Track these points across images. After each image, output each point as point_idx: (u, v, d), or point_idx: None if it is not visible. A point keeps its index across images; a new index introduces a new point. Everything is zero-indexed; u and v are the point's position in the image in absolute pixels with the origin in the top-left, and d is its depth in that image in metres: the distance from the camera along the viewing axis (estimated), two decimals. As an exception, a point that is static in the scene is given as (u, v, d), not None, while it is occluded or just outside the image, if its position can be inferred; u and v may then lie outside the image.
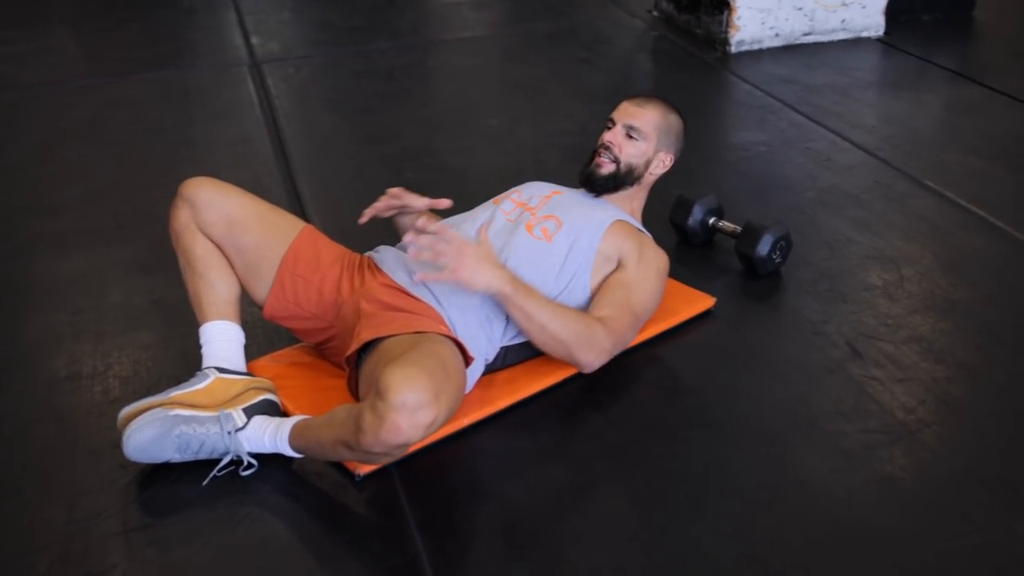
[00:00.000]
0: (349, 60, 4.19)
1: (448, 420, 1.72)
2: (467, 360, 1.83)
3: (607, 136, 2.18)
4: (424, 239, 1.86)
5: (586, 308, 2.05)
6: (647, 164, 2.19)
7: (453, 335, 1.84)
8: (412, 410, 1.57)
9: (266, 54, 4.27)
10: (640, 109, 2.19)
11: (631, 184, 2.19)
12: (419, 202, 2.13)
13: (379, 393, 1.59)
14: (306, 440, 1.77)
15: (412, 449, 1.80)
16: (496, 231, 2.08)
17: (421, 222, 1.92)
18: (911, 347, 2.12)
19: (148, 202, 2.88)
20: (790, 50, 4.10)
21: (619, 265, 2.08)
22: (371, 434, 1.59)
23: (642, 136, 2.16)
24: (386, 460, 1.74)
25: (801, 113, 3.44)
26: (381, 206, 2.13)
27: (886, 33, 4.23)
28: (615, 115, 2.20)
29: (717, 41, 4.12)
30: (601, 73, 4.00)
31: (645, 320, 2.09)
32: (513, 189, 2.25)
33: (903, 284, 2.36)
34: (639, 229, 2.16)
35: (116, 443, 1.83)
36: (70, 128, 3.53)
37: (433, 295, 1.94)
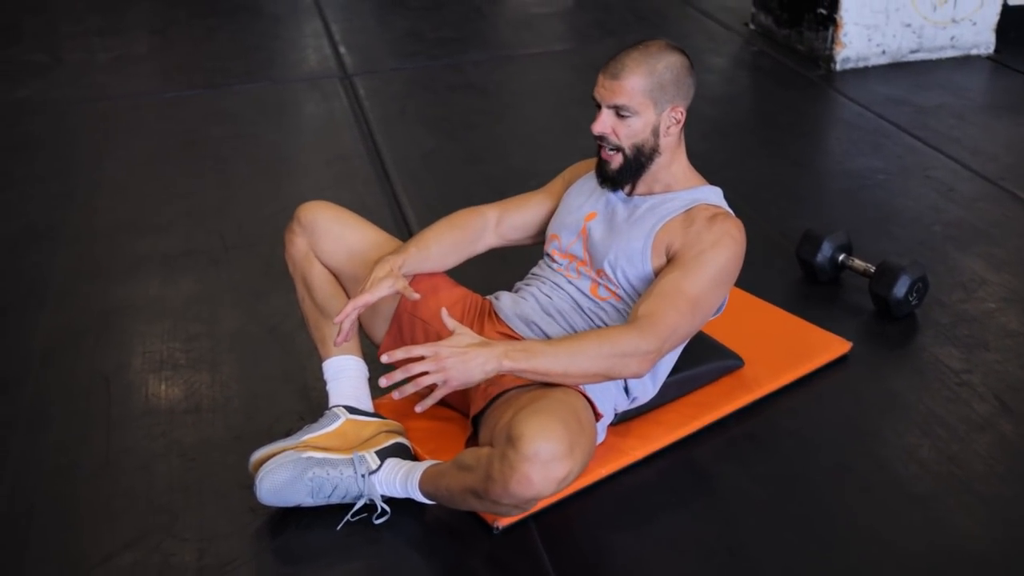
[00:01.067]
0: (442, 73, 4.14)
1: (580, 474, 1.62)
2: (596, 416, 1.74)
3: (596, 127, 1.83)
4: (396, 373, 1.59)
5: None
6: (655, 132, 1.83)
7: (581, 389, 1.75)
8: (545, 462, 1.50)
9: (356, 66, 4.23)
10: (618, 81, 1.79)
11: (650, 160, 1.86)
12: (386, 291, 1.82)
13: (511, 441, 1.52)
14: (436, 487, 1.71)
15: (546, 503, 1.74)
16: (569, 294, 1.91)
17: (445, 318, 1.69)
18: (1067, 402, 2.01)
19: (255, 222, 2.85)
20: (896, 68, 3.97)
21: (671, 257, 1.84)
22: (500, 484, 1.52)
23: (633, 111, 1.80)
24: (516, 513, 1.67)
25: (917, 138, 3.32)
26: (344, 319, 1.81)
27: (996, 51, 4.08)
28: (597, 95, 1.83)
29: (821, 58, 4.00)
30: (702, 91, 3.88)
31: (721, 292, 1.81)
32: (551, 234, 2.00)
33: (1049, 331, 2.25)
34: (688, 204, 1.87)
35: (244, 484, 1.79)
36: (168, 142, 3.52)
37: None
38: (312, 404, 2.06)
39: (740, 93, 4.02)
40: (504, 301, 1.96)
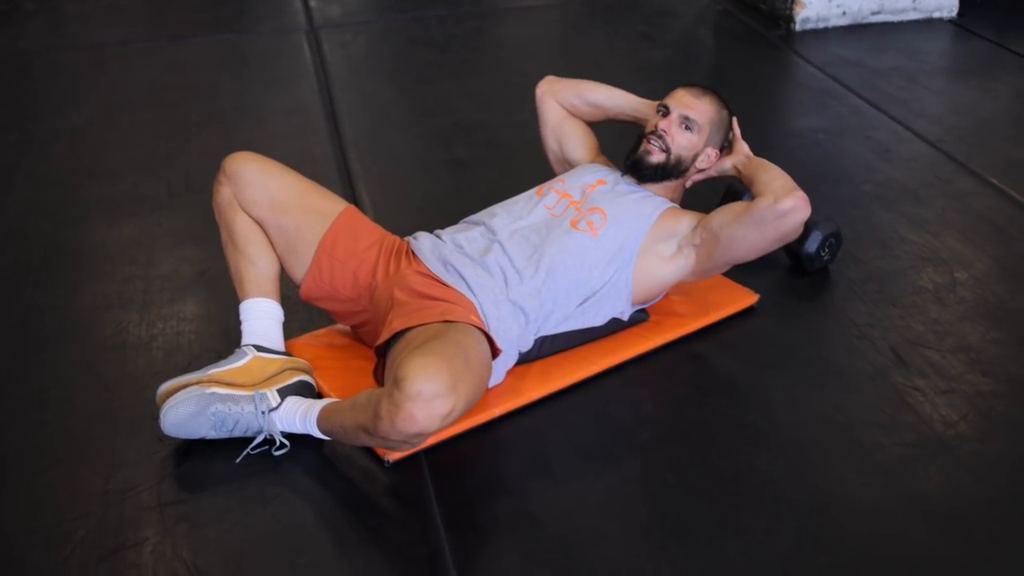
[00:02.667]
0: (407, 27, 4.18)
1: (468, 411, 1.71)
2: (495, 352, 1.82)
3: (661, 123, 2.12)
4: None
5: (627, 301, 2.05)
6: (695, 157, 2.15)
7: (483, 326, 1.84)
8: (427, 400, 1.58)
9: (324, 19, 4.27)
10: (697, 100, 2.13)
11: (676, 176, 2.15)
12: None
13: (396, 382, 1.60)
14: (331, 423, 1.79)
15: (441, 437, 1.82)
16: (536, 224, 2.06)
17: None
18: (958, 357, 2.07)
19: (200, 172, 2.91)
20: (857, 30, 3.99)
21: (688, 239, 2.06)
22: (387, 421, 1.60)
23: (696, 128, 2.12)
24: (406, 448, 1.74)
25: (864, 99, 3.35)
26: None
27: (959, 15, 4.09)
28: (670, 103, 2.14)
29: (781, 18, 4.02)
30: (660, 49, 3.94)
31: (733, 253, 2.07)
32: (556, 178, 2.23)
33: (955, 289, 2.30)
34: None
35: (155, 416, 1.87)
36: (131, 92, 3.58)
37: (467, 284, 1.94)
38: (231, 344, 2.11)
39: (698, 50, 4.05)
40: (423, 241, 2.06)
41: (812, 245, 2.30)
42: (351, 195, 2.74)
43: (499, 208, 2.15)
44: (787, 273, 2.37)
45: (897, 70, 3.60)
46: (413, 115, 3.36)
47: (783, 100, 3.53)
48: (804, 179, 2.81)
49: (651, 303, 2.15)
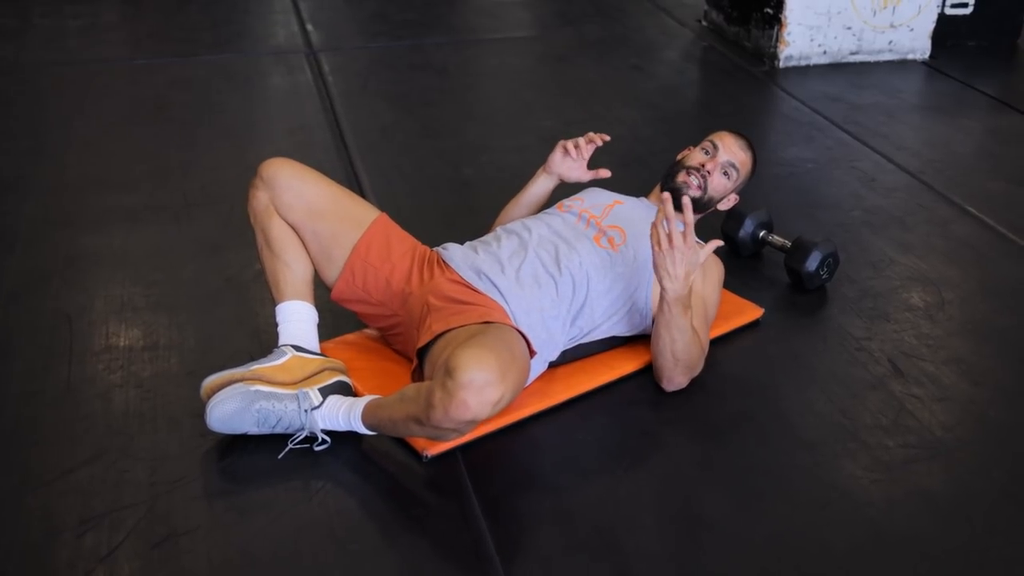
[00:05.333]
0: (405, 54, 4.30)
1: (514, 400, 1.80)
2: (531, 352, 1.93)
3: (708, 164, 2.26)
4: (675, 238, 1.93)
5: (647, 317, 2.15)
6: (722, 199, 2.32)
7: (518, 327, 1.94)
8: (480, 388, 1.66)
9: (322, 43, 4.38)
10: (743, 152, 2.30)
11: (699, 211, 2.26)
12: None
13: (449, 371, 1.68)
14: (378, 418, 1.87)
15: (478, 433, 1.92)
16: (563, 237, 2.16)
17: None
18: (951, 368, 2.21)
19: (216, 184, 3.00)
20: (837, 68, 4.19)
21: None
22: (440, 410, 1.68)
23: (734, 176, 2.29)
24: (455, 437, 1.81)
25: (847, 132, 3.54)
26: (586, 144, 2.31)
27: (932, 57, 4.31)
28: (720, 144, 2.28)
29: (766, 55, 4.20)
30: (652, 81, 4.10)
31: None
32: (575, 196, 2.34)
33: (944, 307, 2.45)
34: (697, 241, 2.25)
35: (195, 413, 1.94)
36: (137, 106, 3.64)
37: (499, 292, 2.04)
38: (263, 346, 2.20)
39: (687, 84, 4.22)
40: (454, 251, 2.15)
41: (812, 264, 2.44)
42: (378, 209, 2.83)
43: (525, 221, 2.26)
44: (788, 291, 2.51)
45: (876, 106, 3.79)
46: (418, 136, 3.47)
47: (771, 131, 3.70)
48: (798, 204, 3.01)
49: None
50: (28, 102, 3.65)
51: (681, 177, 2.27)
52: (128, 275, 2.54)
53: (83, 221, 2.81)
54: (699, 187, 2.26)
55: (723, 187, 2.29)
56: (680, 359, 2.02)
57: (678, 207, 2.15)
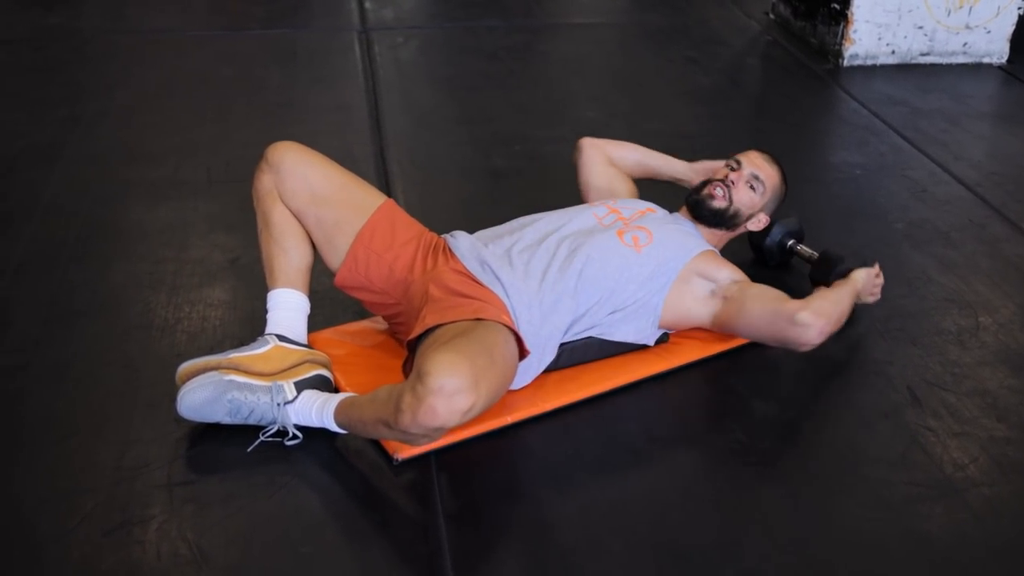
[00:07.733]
0: (458, 35, 4.22)
1: (489, 407, 1.73)
2: (523, 353, 1.84)
3: (732, 175, 2.24)
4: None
5: (654, 324, 2.07)
6: (749, 217, 2.26)
7: (513, 326, 1.86)
8: (449, 395, 1.60)
9: (378, 21, 4.33)
10: (768, 165, 2.28)
11: (728, 228, 2.26)
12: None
13: (420, 376, 1.62)
14: (349, 417, 1.81)
15: (451, 439, 1.84)
16: (582, 229, 2.09)
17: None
18: (974, 400, 2.05)
19: (241, 161, 2.95)
20: (905, 69, 3.98)
21: (722, 289, 2.09)
22: (408, 414, 1.62)
23: (760, 190, 2.24)
24: (425, 442, 1.74)
25: (904, 138, 3.34)
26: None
27: (1009, 61, 4.06)
28: (744, 159, 2.26)
29: (830, 52, 4.01)
30: (707, 75, 3.94)
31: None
32: (608, 198, 2.29)
33: (978, 333, 2.28)
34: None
35: (174, 398, 1.90)
36: (179, 78, 3.65)
37: (501, 285, 1.95)
38: (254, 332, 2.13)
39: (744, 79, 4.05)
40: (461, 240, 2.08)
41: (836, 279, 2.29)
42: (387, 195, 2.76)
43: (544, 214, 2.17)
44: (809, 305, 2.37)
45: (940, 111, 3.58)
46: (455, 122, 3.40)
47: (824, 134, 3.53)
48: (837, 213, 2.85)
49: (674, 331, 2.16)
50: (74, 70, 3.69)
51: (707, 189, 2.24)
52: (137, 251, 2.52)
53: (104, 194, 2.81)
54: (724, 197, 2.21)
55: (750, 200, 2.24)
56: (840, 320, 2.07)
57: (702, 218, 2.24)
